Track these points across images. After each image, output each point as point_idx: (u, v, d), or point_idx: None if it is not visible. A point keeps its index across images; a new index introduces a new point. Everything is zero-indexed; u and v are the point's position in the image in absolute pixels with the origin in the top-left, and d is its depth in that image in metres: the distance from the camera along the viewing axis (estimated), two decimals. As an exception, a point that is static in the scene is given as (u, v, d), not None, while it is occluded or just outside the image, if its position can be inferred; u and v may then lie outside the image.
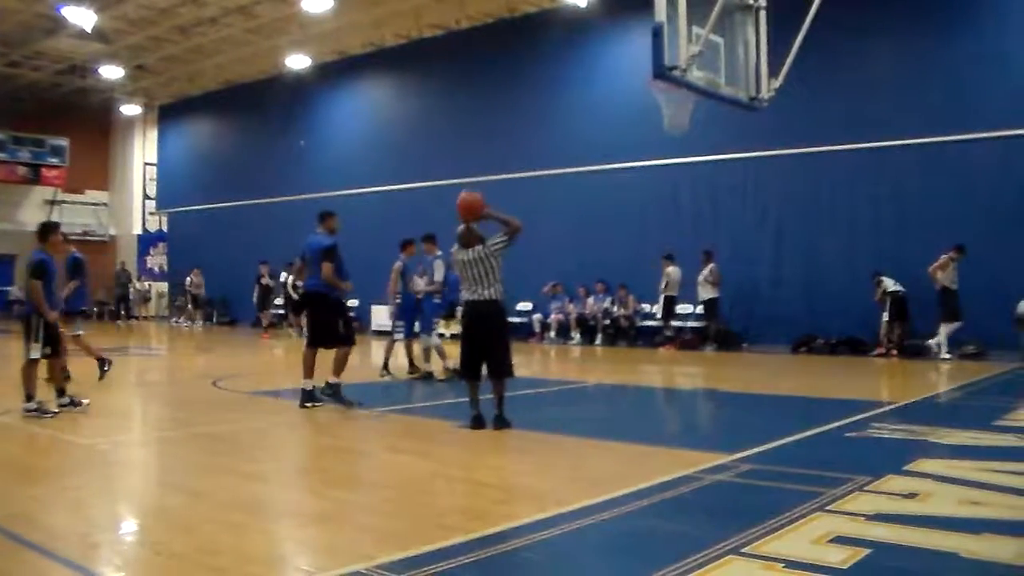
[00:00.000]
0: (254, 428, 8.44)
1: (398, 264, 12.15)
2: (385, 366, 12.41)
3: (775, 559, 3.98)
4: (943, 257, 15.02)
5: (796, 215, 17.87)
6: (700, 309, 18.54)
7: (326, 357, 9.34)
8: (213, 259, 28.53)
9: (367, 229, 20.24)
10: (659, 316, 18.74)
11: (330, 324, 9.36)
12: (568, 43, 21.10)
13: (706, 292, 17.92)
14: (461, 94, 23.33)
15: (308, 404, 9.16)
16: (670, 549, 4.17)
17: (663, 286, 18.34)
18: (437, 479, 6.09)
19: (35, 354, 8.50)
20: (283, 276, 22.26)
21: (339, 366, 9.32)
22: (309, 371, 9.26)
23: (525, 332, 20.68)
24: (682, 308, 18.74)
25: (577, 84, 21.14)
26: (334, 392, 9.26)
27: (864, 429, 7.76)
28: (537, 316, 20.91)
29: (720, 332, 18.08)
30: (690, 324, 18.83)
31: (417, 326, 12.23)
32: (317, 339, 9.48)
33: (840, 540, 4.27)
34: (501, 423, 7.79)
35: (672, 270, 18.28)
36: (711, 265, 17.82)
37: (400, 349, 12.71)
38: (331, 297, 9.36)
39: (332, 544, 4.52)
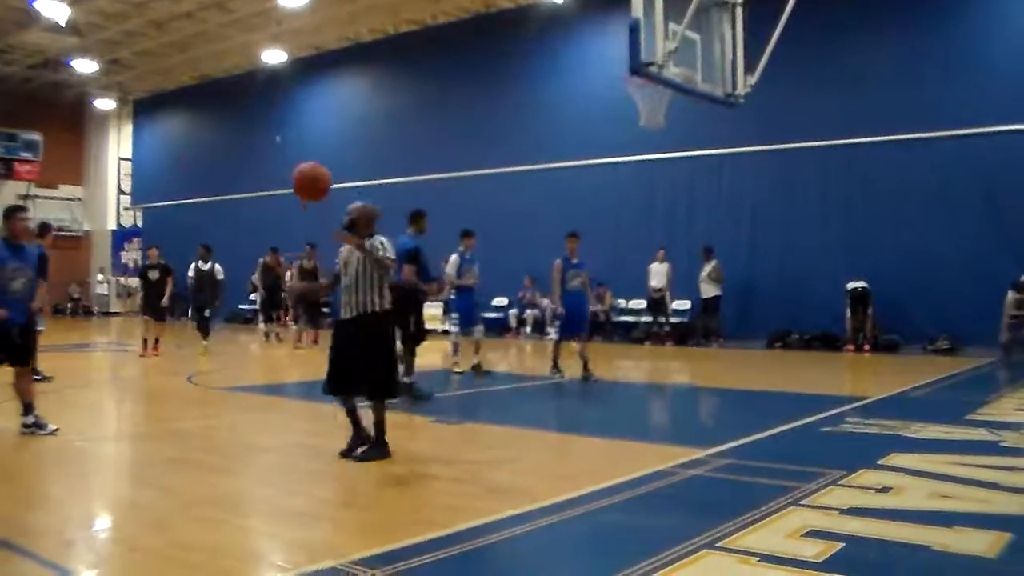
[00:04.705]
0: (228, 424, 8.41)
1: (558, 262, 11.64)
2: (555, 364, 11.72)
3: (750, 553, 4.01)
4: None
5: (771, 211, 17.98)
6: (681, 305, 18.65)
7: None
8: (188, 255, 28.30)
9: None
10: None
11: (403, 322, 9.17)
12: (545, 38, 21.10)
13: (710, 290, 17.86)
14: (437, 90, 23.27)
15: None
16: (645, 544, 4.18)
17: (660, 284, 18.28)
18: (412, 475, 6.07)
19: None
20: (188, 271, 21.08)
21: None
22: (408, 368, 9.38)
23: (501, 327, 20.69)
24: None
25: (553, 80, 21.15)
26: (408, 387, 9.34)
27: (838, 424, 7.84)
28: (513, 311, 20.93)
29: (705, 328, 18.17)
30: (673, 320, 18.85)
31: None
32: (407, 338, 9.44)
33: (814, 534, 4.31)
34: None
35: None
36: (713, 262, 17.78)
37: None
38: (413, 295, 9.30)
39: (307, 539, 4.50)
